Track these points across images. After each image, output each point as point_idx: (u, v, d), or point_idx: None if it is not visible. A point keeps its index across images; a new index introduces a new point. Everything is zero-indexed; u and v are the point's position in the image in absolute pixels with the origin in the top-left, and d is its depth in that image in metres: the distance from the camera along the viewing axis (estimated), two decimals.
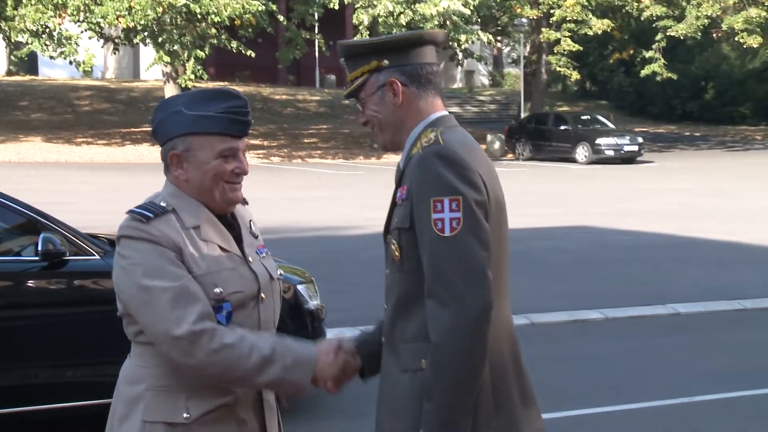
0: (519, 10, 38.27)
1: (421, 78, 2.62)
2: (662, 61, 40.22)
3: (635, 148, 32.98)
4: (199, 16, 29.90)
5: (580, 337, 8.97)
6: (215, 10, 29.35)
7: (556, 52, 39.88)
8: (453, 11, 32.37)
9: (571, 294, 10.59)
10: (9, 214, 5.80)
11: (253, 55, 31.86)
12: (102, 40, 32.86)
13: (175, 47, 30.60)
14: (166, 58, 30.76)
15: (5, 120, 36.58)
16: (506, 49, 56.90)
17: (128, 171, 26.64)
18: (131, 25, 29.62)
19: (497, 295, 2.48)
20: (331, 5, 32.92)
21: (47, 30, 30.37)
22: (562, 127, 34.35)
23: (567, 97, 54.40)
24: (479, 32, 35.51)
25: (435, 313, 2.42)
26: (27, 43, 31.13)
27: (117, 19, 29.49)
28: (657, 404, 6.81)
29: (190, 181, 2.69)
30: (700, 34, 39.24)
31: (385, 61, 2.60)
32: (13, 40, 32.37)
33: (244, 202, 2.89)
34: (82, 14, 30.21)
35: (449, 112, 2.68)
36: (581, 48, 40.95)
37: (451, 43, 34.12)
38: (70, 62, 31.16)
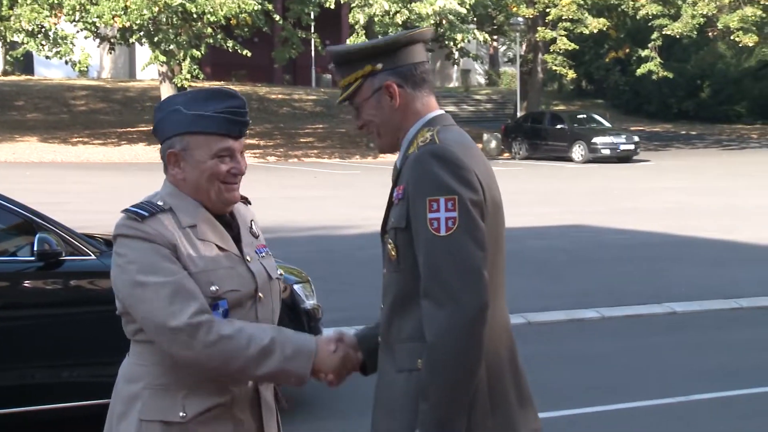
0: (515, 9, 38.27)
1: (415, 78, 2.61)
2: (658, 59, 40.24)
3: (631, 147, 33.00)
4: (195, 16, 29.89)
5: (576, 336, 8.97)
6: (211, 10, 29.33)
7: (552, 51, 39.88)
8: (449, 10, 32.36)
9: (567, 293, 10.59)
10: (5, 214, 5.79)
11: (249, 54, 31.83)
12: (98, 40, 32.82)
13: (171, 47, 30.57)
14: (162, 58, 30.73)
15: (1, 120, 36.55)
16: (502, 48, 56.90)
17: (124, 171, 26.63)
18: (127, 24, 29.60)
19: (493, 294, 2.48)
20: (327, 4, 32.90)
21: (43, 30, 30.32)
22: (559, 126, 34.37)
23: (563, 96, 54.43)
24: (475, 31, 35.53)
25: (431, 313, 2.41)
26: (23, 43, 31.06)
27: (113, 18, 29.47)
28: (653, 403, 6.82)
29: (186, 180, 2.70)
30: (695, 32, 39.25)
31: (379, 65, 2.59)
32: (8, 40, 32.32)
33: (247, 202, 2.91)
34: (77, 14, 30.17)
35: (445, 111, 2.67)
36: (577, 47, 40.93)
37: (447, 42, 34.13)
38: (66, 62, 31.12)
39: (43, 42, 30.52)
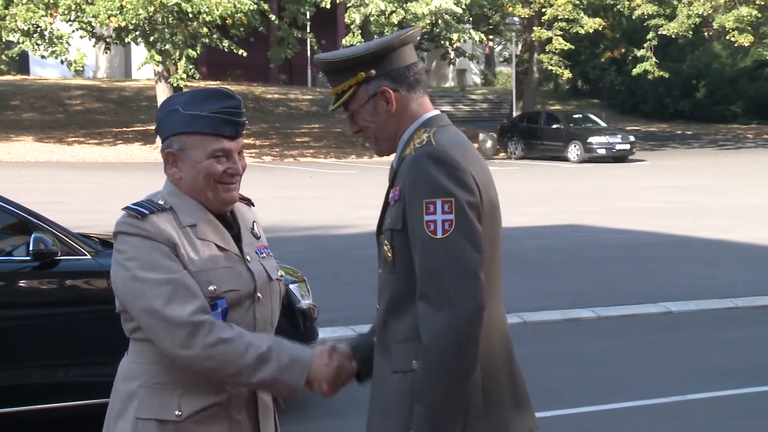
0: (510, 9, 38.27)
1: (409, 80, 2.60)
2: (654, 59, 40.24)
3: (627, 146, 33.02)
4: (190, 16, 29.86)
5: (572, 336, 8.98)
6: (207, 9, 29.30)
7: (547, 50, 39.90)
8: (444, 10, 32.34)
9: (563, 293, 10.60)
10: (0, 213, 5.79)
11: (244, 54, 31.82)
12: (93, 40, 32.79)
13: (167, 46, 30.54)
14: (158, 58, 30.71)
15: None
16: (498, 48, 56.92)
17: (120, 170, 26.61)
18: (123, 24, 29.56)
19: (490, 295, 2.48)
20: (323, 4, 32.88)
21: (38, 29, 30.27)
22: (554, 126, 34.37)
23: (559, 95, 54.43)
24: (471, 31, 35.51)
25: (426, 315, 2.41)
26: (18, 43, 31.03)
27: (108, 18, 29.44)
28: (648, 402, 6.83)
29: (184, 179, 2.72)
30: (691, 32, 39.28)
31: (373, 71, 2.57)
32: (4, 40, 32.26)
33: (250, 203, 2.92)
34: (73, 13, 30.15)
35: (441, 111, 2.67)
36: (573, 47, 40.96)
37: (443, 42, 34.12)
38: (62, 62, 31.09)
39: (39, 41, 30.48)
